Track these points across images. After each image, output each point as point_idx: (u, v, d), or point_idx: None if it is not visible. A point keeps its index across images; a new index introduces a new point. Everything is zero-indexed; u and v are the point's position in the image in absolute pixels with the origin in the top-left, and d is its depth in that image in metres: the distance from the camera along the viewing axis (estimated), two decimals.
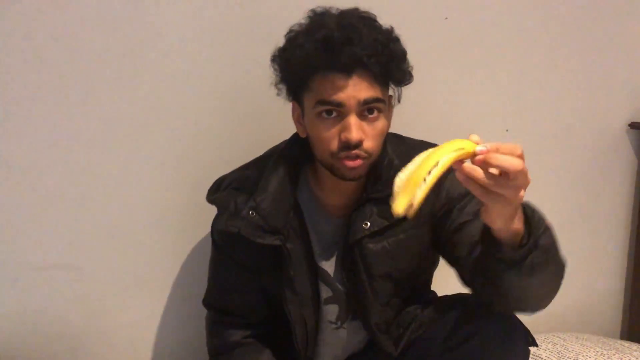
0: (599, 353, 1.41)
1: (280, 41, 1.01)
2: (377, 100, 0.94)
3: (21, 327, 1.29)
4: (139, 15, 1.23)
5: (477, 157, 0.73)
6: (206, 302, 1.18)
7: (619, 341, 1.55)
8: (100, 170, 1.27)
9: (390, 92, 1.03)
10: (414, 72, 1.39)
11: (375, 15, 0.99)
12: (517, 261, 0.81)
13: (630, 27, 1.62)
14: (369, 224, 1.01)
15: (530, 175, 0.76)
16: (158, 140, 1.30)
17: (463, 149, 0.74)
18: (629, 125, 1.66)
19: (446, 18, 1.45)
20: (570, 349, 1.44)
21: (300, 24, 0.98)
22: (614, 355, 1.41)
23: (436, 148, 0.75)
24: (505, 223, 0.79)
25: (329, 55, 0.91)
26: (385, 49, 0.93)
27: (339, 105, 0.93)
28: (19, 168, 1.22)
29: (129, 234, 1.32)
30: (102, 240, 1.31)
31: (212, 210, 1.13)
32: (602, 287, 1.76)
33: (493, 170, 0.73)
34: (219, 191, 1.10)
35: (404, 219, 0.95)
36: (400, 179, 0.73)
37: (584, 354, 1.41)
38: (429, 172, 0.72)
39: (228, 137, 1.34)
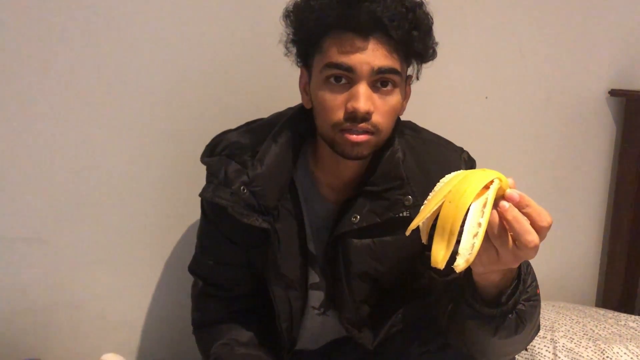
0: (574, 321, 1.42)
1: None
2: (393, 71, 0.85)
3: None
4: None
5: (501, 203, 0.67)
6: (192, 269, 1.10)
7: (594, 308, 1.56)
8: (65, 141, 1.21)
9: (410, 71, 0.95)
10: None
11: None
12: (484, 316, 0.77)
13: None
14: (358, 217, 0.94)
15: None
16: (133, 103, 1.24)
17: (500, 186, 0.68)
18: (609, 92, 1.64)
19: None
20: (546, 317, 1.44)
21: None
22: (588, 322, 1.41)
23: (469, 180, 0.67)
24: (486, 272, 0.74)
25: (346, 10, 0.82)
26: (409, 13, 0.84)
27: (349, 69, 0.84)
28: None
29: (96, 206, 1.27)
30: (68, 213, 1.25)
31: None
32: (579, 256, 1.77)
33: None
34: (213, 155, 1.01)
35: (394, 219, 0.92)
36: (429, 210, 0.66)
37: (560, 321, 1.41)
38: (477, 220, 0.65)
39: (214, 102, 1.28)
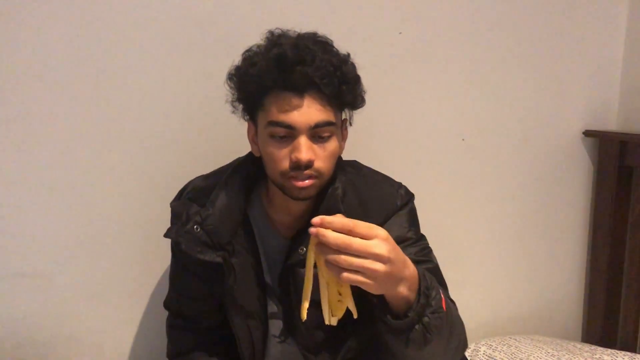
0: (550, 354, 1.46)
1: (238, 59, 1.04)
2: (328, 123, 0.96)
3: None
4: (110, 33, 1.29)
5: (311, 230, 0.79)
6: (165, 304, 1.21)
7: (572, 342, 1.60)
8: (67, 181, 1.33)
9: (345, 116, 1.06)
10: (372, 85, 1.47)
11: (332, 41, 1.01)
12: (394, 328, 0.85)
13: (583, 36, 1.67)
14: (305, 249, 1.02)
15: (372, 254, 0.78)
16: (126, 151, 1.35)
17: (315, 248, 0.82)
18: (584, 133, 1.71)
19: (400, 33, 1.51)
20: (523, 350, 1.49)
21: (258, 45, 1.01)
22: (564, 355, 1.46)
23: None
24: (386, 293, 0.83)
25: (282, 73, 0.93)
26: (337, 71, 0.95)
27: (289, 127, 0.94)
28: None
29: (96, 243, 1.38)
30: (70, 249, 1.36)
31: (167, 224, 1.16)
32: (562, 293, 1.80)
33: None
34: (180, 199, 1.13)
35: None
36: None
37: (536, 354, 1.46)
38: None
39: (199, 146, 1.39)
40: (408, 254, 0.92)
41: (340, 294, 0.83)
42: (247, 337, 1.10)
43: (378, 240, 0.78)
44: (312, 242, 0.81)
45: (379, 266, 0.77)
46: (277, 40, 0.97)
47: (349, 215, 1.02)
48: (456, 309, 0.98)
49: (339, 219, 0.79)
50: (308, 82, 0.93)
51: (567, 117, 1.71)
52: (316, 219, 0.78)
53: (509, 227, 1.71)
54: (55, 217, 1.34)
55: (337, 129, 1.00)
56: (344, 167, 1.10)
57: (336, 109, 0.99)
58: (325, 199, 1.03)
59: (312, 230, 0.78)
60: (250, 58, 0.99)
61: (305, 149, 0.94)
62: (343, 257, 0.77)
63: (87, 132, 1.32)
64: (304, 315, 0.83)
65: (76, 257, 1.37)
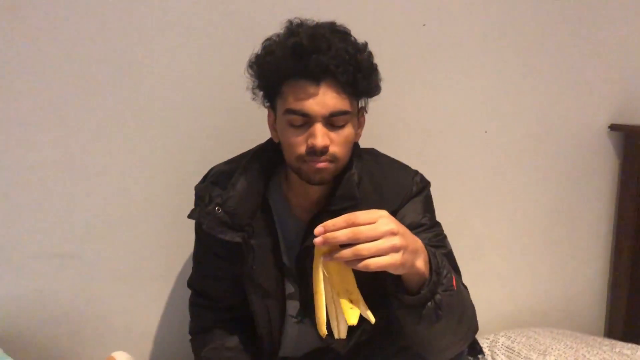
0: (568, 346, 1.46)
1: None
2: (343, 112, 0.99)
3: (26, 311, 1.41)
4: (136, 20, 1.34)
5: (316, 241, 0.81)
6: (189, 283, 1.26)
7: (592, 336, 1.60)
8: (98, 166, 1.39)
9: (362, 103, 1.09)
10: (396, 77, 1.49)
11: (349, 30, 1.04)
12: (407, 304, 0.88)
13: (608, 29, 1.66)
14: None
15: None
16: (154, 136, 1.41)
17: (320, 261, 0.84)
18: (609, 127, 1.70)
19: (424, 25, 1.52)
20: (541, 342, 1.50)
21: (277, 34, 1.03)
22: (582, 348, 1.46)
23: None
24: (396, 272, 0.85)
25: (298, 62, 0.96)
26: (352, 59, 0.97)
27: (305, 115, 0.98)
28: (25, 165, 1.35)
29: (126, 225, 1.43)
30: (101, 231, 1.42)
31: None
32: (584, 287, 1.80)
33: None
34: (204, 182, 1.18)
35: None
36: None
37: (554, 346, 1.46)
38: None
39: (223, 132, 1.43)
40: (422, 240, 0.94)
41: (351, 302, 0.85)
42: (264, 316, 1.14)
43: (382, 219, 0.81)
44: (318, 255, 0.83)
45: (394, 240, 0.80)
46: (295, 30, 1.00)
47: (365, 200, 1.06)
48: (468, 294, 1.00)
49: (338, 218, 0.81)
50: (323, 70, 0.96)
51: (592, 111, 1.70)
52: (319, 228, 0.81)
53: (532, 221, 1.71)
54: (86, 200, 1.40)
55: (352, 116, 1.02)
56: (361, 154, 1.12)
57: (352, 97, 1.01)
58: (341, 184, 1.06)
59: (317, 240, 0.80)
60: (269, 47, 1.02)
61: (320, 135, 0.97)
62: (360, 246, 0.79)
63: (118, 119, 1.38)
64: (324, 330, 0.85)
65: (105, 239, 1.43)
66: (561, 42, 1.64)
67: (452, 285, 0.89)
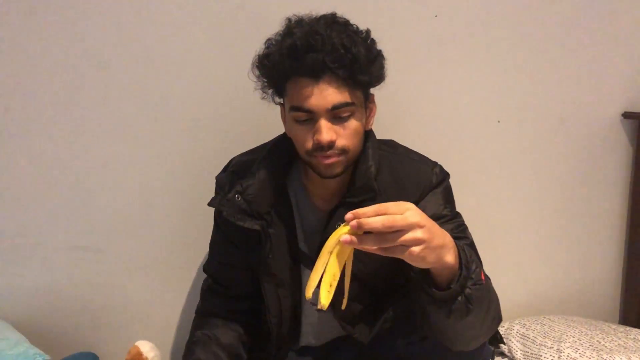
0: (583, 333, 1.48)
1: None
2: (345, 104, 1.00)
3: (50, 302, 1.46)
4: (146, 23, 1.37)
5: (352, 224, 0.82)
6: (204, 268, 1.29)
7: (607, 323, 1.61)
8: (118, 165, 1.43)
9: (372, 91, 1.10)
10: (408, 68, 1.47)
11: (348, 21, 1.04)
12: (437, 300, 0.89)
13: (621, 17, 1.65)
14: (341, 224, 1.04)
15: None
16: (173, 131, 1.44)
17: (338, 239, 0.84)
18: (623, 115, 1.69)
19: (436, 15, 1.53)
20: (556, 329, 1.51)
21: (277, 33, 1.05)
22: (596, 335, 1.47)
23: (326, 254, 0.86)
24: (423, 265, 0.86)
25: (294, 62, 0.98)
26: (348, 53, 0.98)
27: (309, 111, 1.00)
28: (47, 161, 1.40)
29: (146, 218, 1.48)
30: (120, 225, 1.47)
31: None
32: (599, 275, 1.80)
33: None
34: (224, 172, 1.20)
35: None
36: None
37: (569, 333, 1.48)
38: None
39: (241, 124, 1.45)
40: (452, 229, 0.98)
41: (330, 286, 0.86)
42: (276, 305, 1.17)
43: (409, 212, 0.81)
44: (339, 232, 0.84)
45: (418, 233, 0.80)
46: (292, 29, 1.01)
47: (384, 192, 1.08)
48: (491, 284, 1.02)
49: (370, 207, 0.82)
50: (322, 67, 0.97)
51: (606, 99, 1.69)
52: (348, 215, 0.82)
53: (546, 209, 1.72)
54: (107, 194, 1.44)
55: (357, 107, 1.03)
56: (379, 146, 1.14)
57: (353, 89, 1.02)
58: (358, 176, 1.07)
59: (353, 223, 0.81)
60: (268, 48, 1.04)
61: (325, 130, 0.99)
62: (391, 236, 0.80)
63: (138, 114, 1.41)
64: (310, 294, 0.87)
65: (126, 232, 1.47)
66: (574, 31, 1.63)
67: (481, 279, 0.91)
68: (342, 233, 0.83)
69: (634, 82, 1.70)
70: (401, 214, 0.81)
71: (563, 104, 1.67)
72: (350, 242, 0.82)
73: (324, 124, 1.00)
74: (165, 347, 1.35)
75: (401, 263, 1.12)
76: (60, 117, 1.39)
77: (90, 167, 1.42)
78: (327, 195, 1.14)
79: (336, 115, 1.01)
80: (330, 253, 0.85)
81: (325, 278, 0.85)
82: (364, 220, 0.80)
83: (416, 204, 1.06)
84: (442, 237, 0.86)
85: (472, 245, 1.10)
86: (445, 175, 1.16)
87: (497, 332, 1.12)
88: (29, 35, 1.33)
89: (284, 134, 1.18)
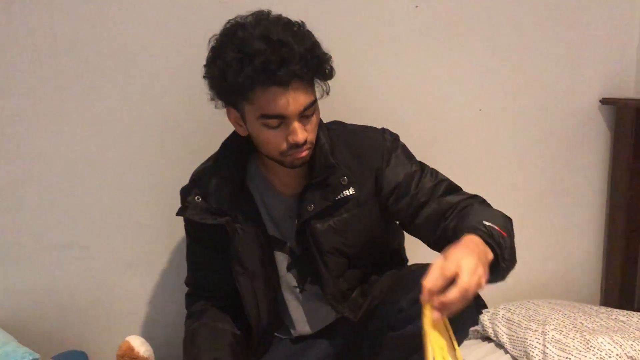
0: (566, 315, 1.51)
1: None
2: (312, 104, 1.06)
3: (39, 301, 1.45)
4: (130, 24, 1.37)
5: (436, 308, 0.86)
6: (186, 280, 1.32)
7: (589, 305, 1.64)
8: (103, 163, 1.44)
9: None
10: (390, 58, 1.51)
11: (287, 18, 1.06)
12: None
13: (598, 5, 1.69)
14: (313, 205, 1.14)
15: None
16: (153, 135, 1.45)
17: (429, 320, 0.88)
18: (600, 101, 1.73)
19: (416, 6, 1.55)
20: (540, 313, 1.54)
21: (223, 38, 1.04)
22: (579, 317, 1.50)
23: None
24: None
25: (268, 76, 0.99)
26: (313, 58, 1.03)
27: (282, 117, 1.04)
28: (35, 160, 1.39)
29: (133, 216, 1.48)
30: (106, 223, 1.47)
31: None
32: (580, 258, 1.84)
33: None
34: (188, 184, 1.24)
35: (342, 198, 1.15)
36: None
37: (552, 316, 1.50)
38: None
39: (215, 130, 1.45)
40: (425, 185, 1.14)
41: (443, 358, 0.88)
42: (252, 299, 1.20)
43: (465, 264, 0.86)
44: (426, 317, 0.87)
45: (480, 270, 0.87)
46: (246, 40, 1.00)
47: (345, 165, 1.15)
48: (492, 210, 1.15)
49: (432, 278, 0.85)
50: (293, 75, 1.00)
51: (585, 86, 1.73)
52: (424, 296, 0.85)
53: (528, 195, 1.75)
54: (95, 193, 1.44)
55: (317, 103, 1.09)
56: (329, 126, 1.19)
57: (313, 86, 1.08)
58: (316, 156, 1.13)
59: (436, 315, 0.85)
60: (228, 65, 1.01)
61: (300, 131, 1.05)
62: (461, 297, 0.84)
63: (122, 111, 1.42)
64: None
65: (114, 230, 1.47)
66: (553, 19, 1.66)
67: (503, 235, 0.98)
68: (428, 315, 0.87)
69: (611, 69, 1.74)
70: (459, 270, 0.84)
71: (543, 91, 1.70)
72: (441, 315, 0.86)
73: (297, 125, 1.05)
74: (154, 343, 1.35)
75: (384, 236, 1.23)
76: (40, 114, 1.38)
77: (74, 164, 1.42)
78: (289, 181, 1.19)
79: (304, 114, 1.06)
80: (429, 334, 0.88)
81: (437, 356, 0.87)
82: (445, 300, 0.84)
83: (382, 169, 1.16)
84: (484, 252, 0.93)
85: (449, 181, 1.19)
86: (396, 136, 1.22)
87: (480, 297, 1.15)
88: (7, 30, 1.32)
89: (232, 134, 1.20)
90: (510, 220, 1.10)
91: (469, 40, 1.61)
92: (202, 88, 1.41)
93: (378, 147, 1.18)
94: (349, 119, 1.26)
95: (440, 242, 1.11)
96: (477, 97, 1.65)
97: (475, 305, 1.11)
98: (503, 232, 1.00)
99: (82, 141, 1.41)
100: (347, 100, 1.39)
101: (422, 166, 1.21)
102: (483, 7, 1.60)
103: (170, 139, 1.46)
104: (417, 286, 1.06)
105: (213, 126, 1.43)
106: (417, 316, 1.06)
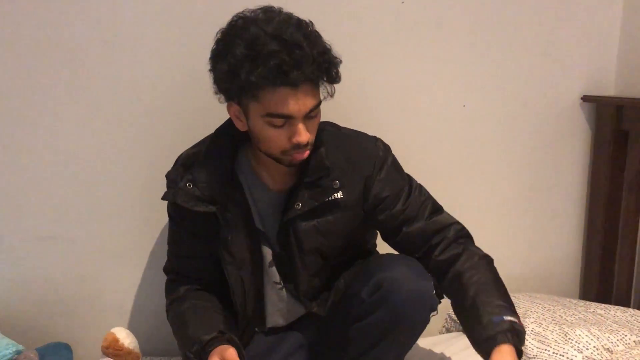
0: (546, 308, 1.54)
1: None
2: (317, 105, 1.08)
3: (21, 293, 1.45)
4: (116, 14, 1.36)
5: None
6: (165, 268, 1.30)
7: (568, 299, 1.68)
8: (87, 155, 1.43)
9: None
10: (375, 54, 1.53)
11: (297, 17, 1.06)
12: None
13: (581, 2, 1.71)
14: (300, 204, 1.15)
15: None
16: (139, 125, 1.45)
17: None
18: (582, 98, 1.75)
19: (402, 2, 1.56)
20: (521, 306, 1.56)
21: (231, 32, 1.04)
22: (559, 310, 1.53)
23: None
24: None
25: (281, 77, 1.00)
26: (325, 61, 1.04)
27: (289, 117, 1.04)
28: (14, 153, 1.39)
29: (114, 207, 1.47)
30: (90, 214, 1.46)
31: None
32: (560, 253, 1.87)
33: None
34: (174, 167, 1.23)
35: (331, 201, 1.16)
36: None
37: (532, 309, 1.54)
38: None
39: (199, 121, 1.45)
40: (412, 202, 1.18)
41: None
42: (239, 286, 1.21)
43: None
44: None
45: None
46: (259, 39, 0.99)
47: (337, 168, 1.16)
48: (490, 268, 1.23)
49: None
50: (305, 78, 1.01)
51: (566, 83, 1.75)
52: None
53: (509, 191, 1.78)
54: (75, 184, 1.44)
55: (321, 103, 1.10)
56: (324, 127, 1.19)
57: (319, 88, 1.09)
58: (311, 157, 1.14)
59: None
60: (239, 61, 1.00)
61: (304, 132, 1.06)
62: None
63: (105, 102, 1.41)
64: None
65: (95, 221, 1.47)
66: (535, 16, 1.68)
67: (522, 327, 1.10)
68: None
69: (592, 67, 1.76)
70: None
71: (525, 88, 1.72)
72: None
73: (302, 127, 1.06)
74: (139, 335, 1.35)
75: (361, 239, 1.27)
76: (23, 106, 1.37)
77: (57, 155, 1.41)
78: (278, 177, 1.20)
79: (309, 115, 1.07)
80: None
81: None
82: None
83: (373, 178, 1.18)
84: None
85: (434, 201, 1.24)
86: (388, 147, 1.24)
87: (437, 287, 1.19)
88: None
89: (226, 122, 1.20)
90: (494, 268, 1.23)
91: (454, 37, 1.62)
92: (188, 80, 1.43)
93: (371, 155, 1.20)
94: (332, 115, 1.26)
95: (424, 261, 1.17)
96: (461, 93, 1.66)
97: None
98: (520, 322, 1.09)
99: (65, 133, 1.41)
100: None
101: (411, 181, 1.24)
102: (468, 4, 1.61)
103: (155, 132, 1.45)
104: (374, 277, 1.12)
105: (197, 117, 1.45)
106: (378, 305, 1.10)
